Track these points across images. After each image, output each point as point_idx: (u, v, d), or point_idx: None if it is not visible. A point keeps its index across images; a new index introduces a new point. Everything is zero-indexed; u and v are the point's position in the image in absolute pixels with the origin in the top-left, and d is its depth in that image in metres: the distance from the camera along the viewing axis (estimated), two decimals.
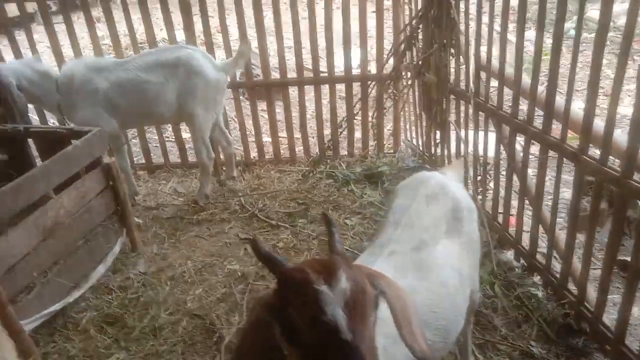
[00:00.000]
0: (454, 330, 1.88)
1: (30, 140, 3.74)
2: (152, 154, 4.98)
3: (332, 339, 1.06)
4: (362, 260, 1.85)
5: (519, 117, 3.07)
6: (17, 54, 4.34)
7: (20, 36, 4.37)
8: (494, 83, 3.32)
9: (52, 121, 4.85)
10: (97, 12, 6.73)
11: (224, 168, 4.76)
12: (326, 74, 4.68)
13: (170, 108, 3.89)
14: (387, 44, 4.64)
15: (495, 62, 3.33)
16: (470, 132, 3.73)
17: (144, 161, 4.97)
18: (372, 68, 5.63)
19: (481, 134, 3.59)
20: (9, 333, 2.44)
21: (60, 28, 4.52)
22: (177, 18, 4.40)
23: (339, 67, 5.23)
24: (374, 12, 4.60)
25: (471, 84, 3.45)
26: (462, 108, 3.76)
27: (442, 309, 1.80)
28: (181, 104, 3.87)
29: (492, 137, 3.45)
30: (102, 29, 6.14)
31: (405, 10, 4.39)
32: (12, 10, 4.42)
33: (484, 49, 3.27)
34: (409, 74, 4.29)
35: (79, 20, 4.34)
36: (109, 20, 4.27)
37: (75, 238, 3.22)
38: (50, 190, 3.11)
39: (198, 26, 4.40)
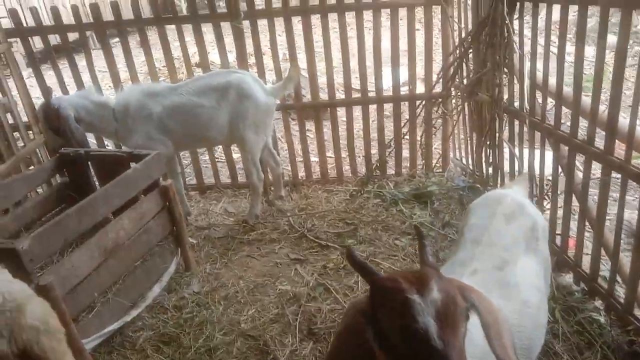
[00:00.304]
0: (535, 350, 1.87)
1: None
2: (203, 175, 5.09)
3: (422, 347, 1.08)
4: None
5: (578, 136, 2.98)
6: (77, 77, 4.51)
7: (81, 61, 4.56)
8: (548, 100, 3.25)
9: (108, 145, 5.04)
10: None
11: (272, 188, 4.81)
12: (374, 94, 4.68)
13: (222, 131, 3.97)
14: (435, 63, 4.62)
15: (551, 81, 3.26)
16: (525, 151, 3.65)
17: (195, 182, 5.08)
18: (419, 87, 5.59)
19: (536, 153, 3.51)
20: (72, 352, 2.52)
21: (116, 51, 4.71)
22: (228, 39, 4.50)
23: (386, 86, 5.22)
24: (418, 29, 4.63)
25: (526, 103, 3.38)
26: (517, 127, 3.68)
27: (526, 328, 1.79)
28: (232, 127, 3.95)
29: (547, 156, 3.37)
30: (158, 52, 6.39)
31: (454, 28, 4.36)
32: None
33: (539, 66, 3.22)
34: (458, 93, 4.24)
35: (134, 44, 4.48)
36: (164, 44, 4.40)
37: (133, 258, 3.31)
38: (111, 212, 3.21)
39: (249, 49, 4.49)
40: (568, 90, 3.06)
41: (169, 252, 3.64)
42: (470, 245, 1.99)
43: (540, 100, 3.29)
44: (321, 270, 3.72)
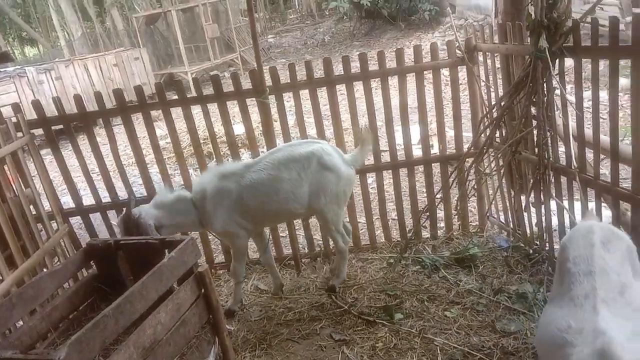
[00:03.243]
0: None
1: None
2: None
3: None
4: (571, 314, 1.91)
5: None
6: (80, 158, 4.37)
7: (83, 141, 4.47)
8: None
9: None
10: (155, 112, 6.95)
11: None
12: (404, 157, 4.56)
13: (303, 203, 3.83)
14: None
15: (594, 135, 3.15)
16: (576, 206, 3.48)
17: (224, 259, 4.89)
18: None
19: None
20: None
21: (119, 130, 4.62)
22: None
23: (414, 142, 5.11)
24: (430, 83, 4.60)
25: (574, 161, 3.24)
26: (565, 184, 3.53)
27: None
28: (312, 199, 3.82)
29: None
30: (162, 128, 6.37)
31: (482, 87, 4.29)
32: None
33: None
34: (497, 152, 4.12)
35: (137, 121, 4.39)
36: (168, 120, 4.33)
37: (172, 354, 3.06)
38: (147, 307, 3.01)
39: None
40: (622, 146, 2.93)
41: (206, 343, 3.39)
42: (584, 277, 2.03)
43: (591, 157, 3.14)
44: (370, 351, 3.45)
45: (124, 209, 3.67)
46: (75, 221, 4.74)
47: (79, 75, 12.58)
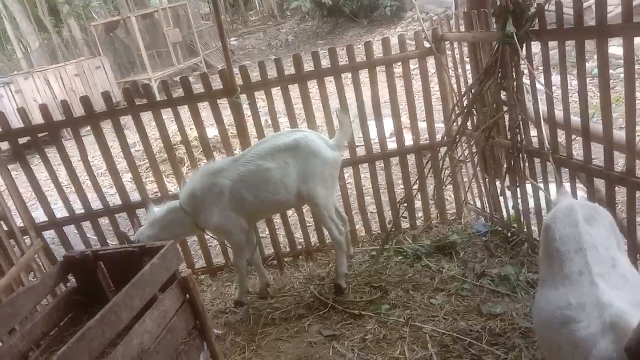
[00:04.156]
0: None
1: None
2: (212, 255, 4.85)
3: None
4: (569, 292, 1.93)
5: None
6: (50, 170, 4.23)
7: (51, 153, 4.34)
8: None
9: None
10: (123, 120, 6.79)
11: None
12: (379, 150, 4.58)
13: (293, 192, 3.82)
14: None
15: (565, 116, 3.23)
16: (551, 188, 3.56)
17: (205, 264, 4.82)
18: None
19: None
20: None
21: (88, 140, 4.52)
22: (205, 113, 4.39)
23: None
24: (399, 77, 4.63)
25: (546, 142, 3.31)
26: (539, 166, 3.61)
27: None
28: (301, 186, 3.80)
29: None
30: (131, 137, 6.22)
31: (450, 76, 4.35)
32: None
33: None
34: (471, 139, 4.18)
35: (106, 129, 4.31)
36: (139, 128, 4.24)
37: None
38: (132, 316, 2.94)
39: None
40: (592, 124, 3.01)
41: (194, 348, 3.34)
42: (574, 254, 2.04)
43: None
44: (361, 344, 3.46)
45: (125, 241, 3.67)
46: (49, 236, 4.60)
47: (40, 87, 12.23)
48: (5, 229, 3.92)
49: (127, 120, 4.36)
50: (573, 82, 4.03)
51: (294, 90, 4.29)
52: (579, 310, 1.83)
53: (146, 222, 3.90)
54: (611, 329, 1.64)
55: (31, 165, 4.32)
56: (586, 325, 1.75)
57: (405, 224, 4.83)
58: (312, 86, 4.28)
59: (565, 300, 1.91)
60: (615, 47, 7.67)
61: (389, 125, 4.91)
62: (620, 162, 4.10)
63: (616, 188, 3.04)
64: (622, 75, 4.47)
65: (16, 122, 4.18)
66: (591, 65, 7.49)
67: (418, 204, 4.83)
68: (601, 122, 2.90)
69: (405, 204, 4.48)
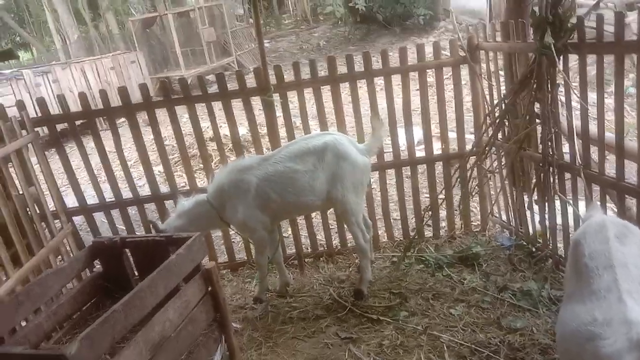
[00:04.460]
0: None
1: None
2: (235, 252, 4.90)
3: None
4: (596, 307, 1.91)
5: None
6: (85, 158, 4.35)
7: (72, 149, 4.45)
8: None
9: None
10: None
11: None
12: (407, 156, 4.58)
13: (320, 195, 3.83)
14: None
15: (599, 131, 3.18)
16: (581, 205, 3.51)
17: (227, 259, 4.88)
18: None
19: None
20: None
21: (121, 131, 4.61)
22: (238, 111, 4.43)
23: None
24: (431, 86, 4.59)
25: (578, 157, 3.27)
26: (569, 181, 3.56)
27: None
28: (330, 189, 3.82)
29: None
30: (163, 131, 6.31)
31: (484, 86, 4.32)
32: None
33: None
34: (500, 151, 4.14)
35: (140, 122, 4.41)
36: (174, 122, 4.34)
37: (180, 352, 3.05)
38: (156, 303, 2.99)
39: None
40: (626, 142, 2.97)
41: (213, 341, 3.38)
42: (603, 271, 2.02)
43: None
44: (377, 349, 3.45)
45: (152, 229, 3.74)
46: (78, 222, 4.71)
47: (76, 78, 12.52)
48: (38, 212, 4.04)
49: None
50: (607, 101, 3.97)
51: (326, 93, 4.32)
52: (605, 327, 1.81)
53: (174, 213, 3.96)
54: (638, 347, 1.61)
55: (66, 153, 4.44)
56: (612, 342, 1.73)
57: (428, 233, 4.81)
58: (344, 91, 4.30)
59: (591, 316, 1.89)
60: None
61: (418, 133, 4.90)
62: None
63: None
64: None
65: (52, 111, 4.30)
66: (626, 84, 7.35)
67: (443, 213, 4.80)
68: (636, 140, 2.85)
69: (430, 213, 4.46)
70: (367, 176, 4.00)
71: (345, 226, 4.32)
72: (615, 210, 3.28)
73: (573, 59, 3.38)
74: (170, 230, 3.72)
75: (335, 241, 4.86)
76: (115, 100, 4.46)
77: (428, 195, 4.80)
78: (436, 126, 4.58)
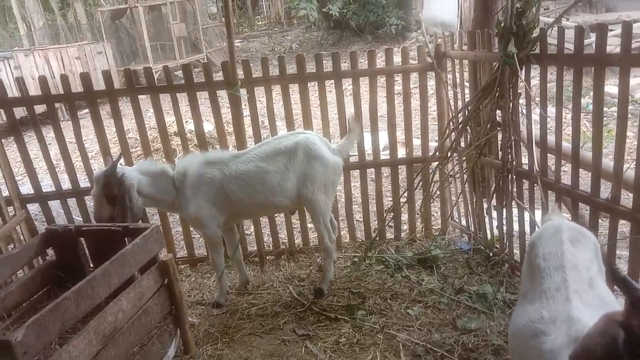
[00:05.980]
0: None
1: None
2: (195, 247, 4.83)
3: None
4: (544, 306, 1.96)
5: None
6: (43, 146, 4.22)
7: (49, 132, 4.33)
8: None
9: None
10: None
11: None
12: (371, 158, 4.62)
13: (290, 196, 3.79)
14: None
15: (557, 140, 3.29)
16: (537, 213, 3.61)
17: (186, 254, 4.81)
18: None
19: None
20: None
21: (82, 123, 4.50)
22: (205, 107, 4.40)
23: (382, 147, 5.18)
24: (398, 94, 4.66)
25: (536, 165, 3.37)
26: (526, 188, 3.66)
27: None
28: (301, 190, 3.78)
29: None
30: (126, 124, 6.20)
31: (448, 92, 4.41)
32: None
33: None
34: (462, 156, 4.23)
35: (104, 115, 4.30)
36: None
37: (132, 343, 2.99)
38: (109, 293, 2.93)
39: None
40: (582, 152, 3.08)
41: (167, 334, 3.33)
42: (555, 271, 2.08)
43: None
44: (333, 346, 3.46)
45: (111, 163, 3.47)
46: (33, 211, 4.56)
47: (39, 65, 12.18)
48: None
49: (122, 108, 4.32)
50: (567, 116, 4.11)
51: (295, 95, 4.32)
52: (550, 324, 1.86)
53: (136, 165, 3.76)
54: (576, 343, 1.66)
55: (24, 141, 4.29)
56: (554, 338, 1.78)
57: (389, 235, 4.86)
58: (313, 94, 4.31)
59: (538, 314, 1.94)
60: (611, 86, 7.82)
61: (383, 138, 4.95)
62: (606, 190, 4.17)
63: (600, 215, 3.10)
64: (615, 114, 4.59)
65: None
66: (586, 101, 7.63)
67: (404, 216, 4.87)
68: (591, 150, 2.96)
69: (392, 214, 4.51)
70: (338, 176, 3.99)
71: (312, 225, 4.31)
72: (569, 217, 3.38)
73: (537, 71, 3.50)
74: (129, 178, 3.47)
75: (298, 240, 4.86)
76: (78, 89, 4.34)
77: (391, 198, 4.85)
78: (402, 132, 4.64)
